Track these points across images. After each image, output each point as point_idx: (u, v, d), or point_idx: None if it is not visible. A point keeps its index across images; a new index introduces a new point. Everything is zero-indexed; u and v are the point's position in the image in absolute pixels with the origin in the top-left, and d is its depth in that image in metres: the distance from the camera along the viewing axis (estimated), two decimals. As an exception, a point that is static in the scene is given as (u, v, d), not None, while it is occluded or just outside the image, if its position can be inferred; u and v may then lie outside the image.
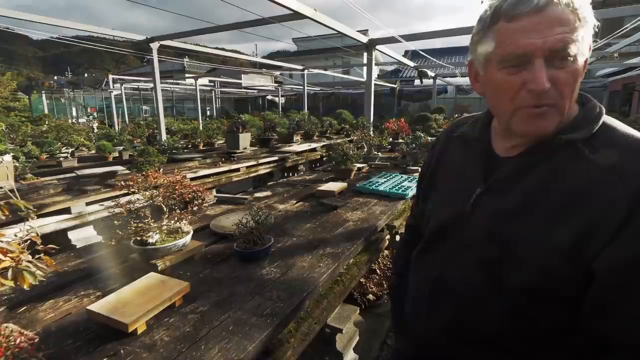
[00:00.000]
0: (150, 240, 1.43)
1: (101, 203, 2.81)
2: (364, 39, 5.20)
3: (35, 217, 2.59)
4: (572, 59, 0.57)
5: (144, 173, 1.54)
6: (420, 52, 8.66)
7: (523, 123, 0.63)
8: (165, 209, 1.53)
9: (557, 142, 0.62)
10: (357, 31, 5.03)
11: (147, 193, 1.45)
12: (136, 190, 1.49)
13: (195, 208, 1.54)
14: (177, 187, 1.50)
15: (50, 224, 2.59)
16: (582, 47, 0.58)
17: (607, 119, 0.65)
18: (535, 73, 0.57)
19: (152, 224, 1.47)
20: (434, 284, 0.76)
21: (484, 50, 0.64)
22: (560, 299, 0.60)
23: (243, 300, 1.23)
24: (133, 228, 1.38)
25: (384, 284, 2.62)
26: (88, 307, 1.10)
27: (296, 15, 3.82)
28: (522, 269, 0.61)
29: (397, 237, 2.42)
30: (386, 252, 2.69)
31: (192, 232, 1.58)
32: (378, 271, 2.68)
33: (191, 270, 1.48)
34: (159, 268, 1.41)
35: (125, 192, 1.53)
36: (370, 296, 2.52)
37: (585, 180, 0.58)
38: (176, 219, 1.50)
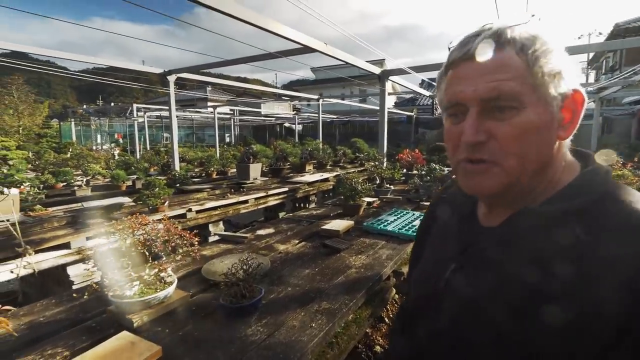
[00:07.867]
0: (127, 293, 1.32)
1: (80, 248, 2.75)
2: (376, 71, 5.19)
3: (33, 253, 2.49)
4: (515, 110, 0.49)
5: (129, 218, 1.45)
6: (434, 83, 8.61)
7: (462, 178, 0.57)
8: (148, 255, 1.43)
9: (539, 213, 0.51)
10: (374, 61, 5.03)
11: (128, 241, 1.36)
12: (119, 238, 1.40)
13: (178, 257, 1.43)
14: (160, 235, 1.40)
15: (49, 259, 2.54)
16: (533, 97, 0.49)
17: (613, 187, 0.51)
18: (466, 123, 0.52)
19: (132, 273, 1.37)
20: None
21: (439, 98, 0.61)
22: None
23: (218, 371, 1.09)
24: (107, 281, 1.28)
25: (393, 334, 2.39)
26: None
27: (307, 50, 3.85)
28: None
29: (407, 283, 2.23)
30: (397, 296, 2.48)
31: (176, 282, 1.46)
32: (387, 319, 2.46)
33: (171, 326, 1.35)
34: (135, 324, 1.29)
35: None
36: (378, 348, 2.29)
37: (572, 267, 0.45)
38: (156, 270, 1.39)
